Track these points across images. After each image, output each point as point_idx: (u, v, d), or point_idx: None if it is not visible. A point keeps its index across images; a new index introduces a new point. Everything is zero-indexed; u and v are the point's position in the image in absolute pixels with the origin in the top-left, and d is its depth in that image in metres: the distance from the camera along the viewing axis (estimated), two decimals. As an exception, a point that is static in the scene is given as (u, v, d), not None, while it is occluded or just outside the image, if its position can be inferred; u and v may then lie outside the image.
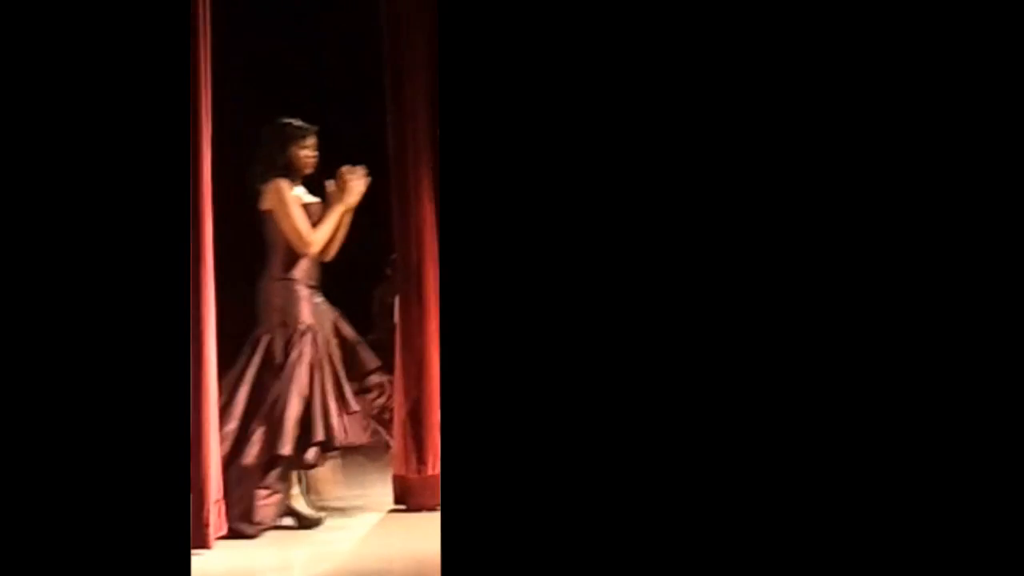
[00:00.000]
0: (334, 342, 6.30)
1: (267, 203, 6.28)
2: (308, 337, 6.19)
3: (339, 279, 6.57)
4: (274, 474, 6.09)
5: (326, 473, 6.59)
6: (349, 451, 8.04)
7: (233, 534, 5.92)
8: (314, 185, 6.41)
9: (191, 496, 5.51)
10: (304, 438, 6.06)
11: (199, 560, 5.44)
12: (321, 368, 6.17)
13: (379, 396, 8.21)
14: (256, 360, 6.14)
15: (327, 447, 6.15)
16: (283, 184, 6.26)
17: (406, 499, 6.47)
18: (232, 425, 6.07)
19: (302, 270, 6.28)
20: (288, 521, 6.17)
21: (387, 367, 7.02)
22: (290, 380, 6.07)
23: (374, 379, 7.44)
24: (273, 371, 6.12)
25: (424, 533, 5.51)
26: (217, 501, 5.73)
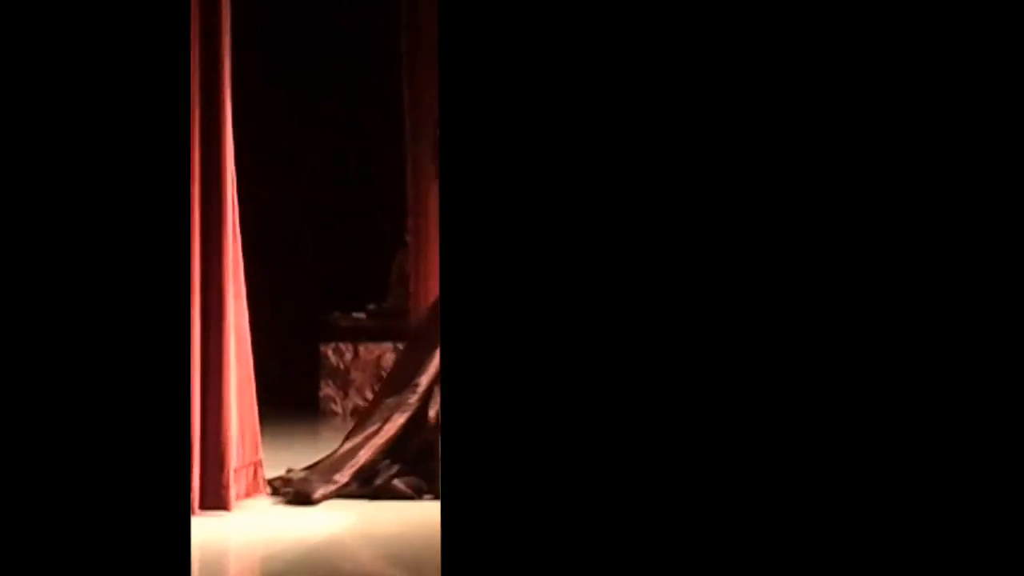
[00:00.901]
0: None
1: None
2: None
3: (362, 248, 6.67)
4: None
5: None
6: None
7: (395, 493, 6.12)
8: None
9: (213, 461, 5.70)
10: None
11: (216, 521, 5.58)
12: None
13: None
14: None
15: None
16: None
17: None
18: (424, 379, 6.24)
19: None
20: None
21: (403, 333, 7.14)
22: None
23: (389, 345, 7.62)
24: None
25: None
26: (248, 465, 5.90)
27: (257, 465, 6.01)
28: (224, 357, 5.73)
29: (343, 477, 6.09)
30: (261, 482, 6.06)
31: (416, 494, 6.09)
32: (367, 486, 6.11)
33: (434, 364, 6.17)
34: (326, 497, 6.02)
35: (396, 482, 6.12)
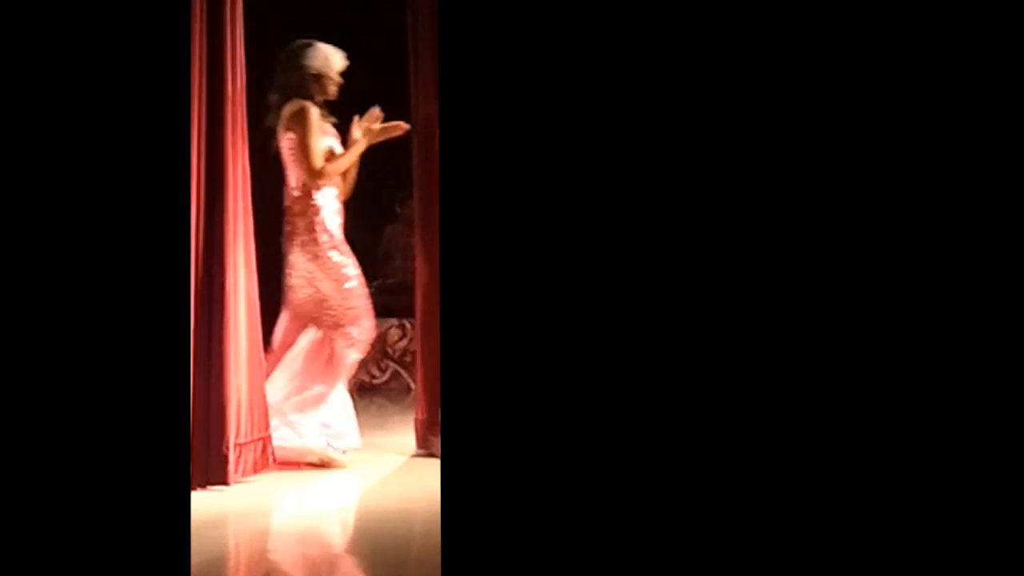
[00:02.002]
0: None
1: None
2: None
3: (354, 218, 6.66)
4: None
5: None
6: (371, 393, 8.18)
7: None
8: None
9: (214, 435, 5.68)
10: None
11: (215, 494, 5.60)
12: None
13: (400, 339, 8.31)
14: None
15: None
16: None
17: (427, 440, 6.58)
18: None
19: None
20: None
21: (409, 310, 7.11)
22: None
23: (393, 321, 7.55)
24: None
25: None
26: (256, 440, 5.87)
27: (266, 440, 5.97)
28: (225, 332, 5.70)
29: None
30: (270, 457, 6.02)
31: None
32: None
33: None
34: None
35: None
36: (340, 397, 6.40)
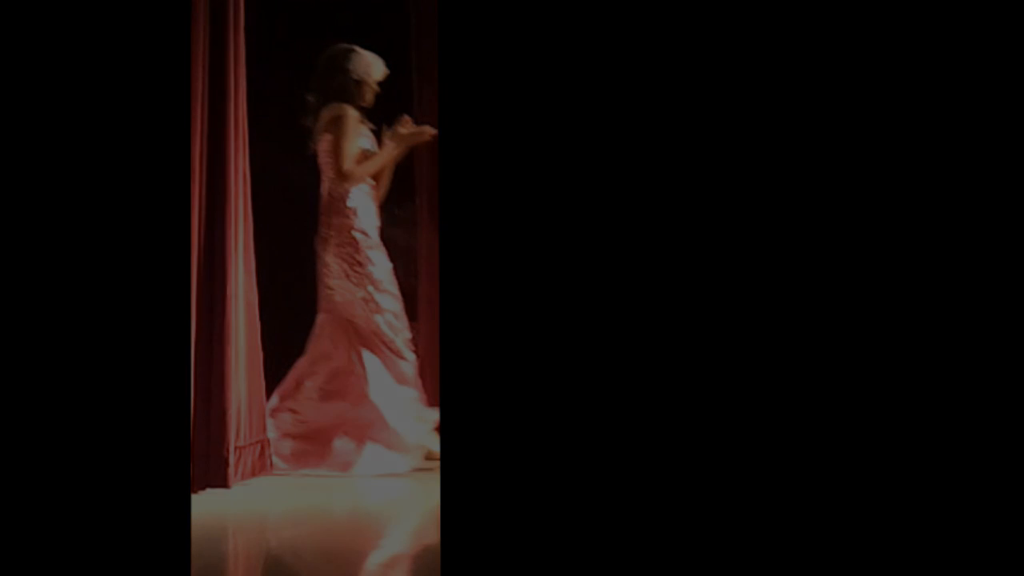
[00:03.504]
0: None
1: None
2: None
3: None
4: None
5: None
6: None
7: None
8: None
9: (214, 438, 5.69)
10: None
11: (214, 498, 5.60)
12: None
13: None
14: None
15: None
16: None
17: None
18: None
19: None
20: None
21: (410, 313, 7.11)
22: None
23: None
24: None
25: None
26: (254, 443, 5.87)
27: (264, 443, 5.98)
28: (226, 336, 5.71)
29: None
30: (268, 460, 6.02)
31: None
32: None
33: None
34: None
35: None
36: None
